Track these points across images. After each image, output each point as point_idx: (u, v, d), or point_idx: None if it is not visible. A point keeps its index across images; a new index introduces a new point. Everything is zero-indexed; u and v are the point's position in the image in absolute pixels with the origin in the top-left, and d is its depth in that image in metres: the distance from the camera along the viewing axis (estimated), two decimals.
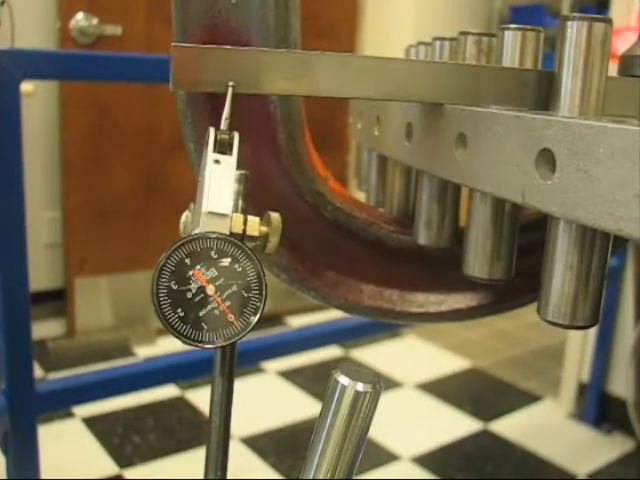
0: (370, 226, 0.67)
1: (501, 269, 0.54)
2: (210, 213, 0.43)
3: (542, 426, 2.04)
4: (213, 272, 0.42)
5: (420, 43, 0.72)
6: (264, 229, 0.46)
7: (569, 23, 0.45)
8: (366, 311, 0.70)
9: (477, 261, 0.54)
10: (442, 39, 0.65)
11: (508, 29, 0.51)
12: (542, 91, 0.50)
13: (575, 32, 0.44)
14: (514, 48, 0.51)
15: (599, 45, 0.45)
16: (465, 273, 0.55)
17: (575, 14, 0.45)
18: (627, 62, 0.60)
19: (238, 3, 0.55)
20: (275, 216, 0.46)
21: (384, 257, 0.69)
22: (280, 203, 0.63)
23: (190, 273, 0.42)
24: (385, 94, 0.50)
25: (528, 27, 0.51)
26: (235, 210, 0.46)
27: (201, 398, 2.08)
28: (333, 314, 1.08)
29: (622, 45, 0.66)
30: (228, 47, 0.48)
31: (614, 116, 0.49)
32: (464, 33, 0.57)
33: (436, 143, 0.54)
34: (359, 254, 0.68)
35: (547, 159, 0.42)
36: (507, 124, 0.45)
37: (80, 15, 2.26)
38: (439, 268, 0.66)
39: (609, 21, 0.45)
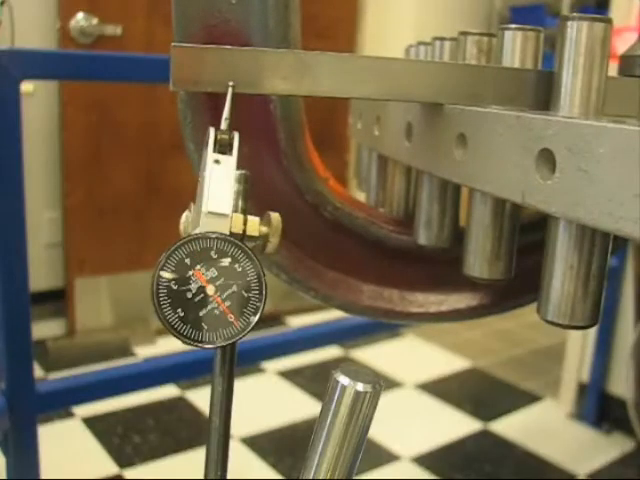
0: (370, 226, 0.66)
1: (501, 269, 0.53)
2: (210, 213, 0.43)
3: (542, 426, 2.04)
4: (213, 272, 0.42)
5: (420, 43, 0.72)
6: (264, 229, 0.46)
7: (569, 23, 0.45)
8: (366, 311, 0.70)
9: (477, 261, 0.53)
10: (442, 39, 0.65)
11: (508, 29, 0.51)
12: (542, 91, 0.50)
13: (575, 32, 0.45)
14: (514, 48, 0.51)
15: (599, 45, 0.45)
16: (465, 273, 0.55)
17: (575, 14, 0.45)
18: (627, 62, 0.60)
19: (238, 3, 0.54)
20: (275, 216, 0.46)
21: (384, 257, 0.68)
22: (280, 203, 0.63)
23: (190, 273, 0.42)
24: (385, 94, 0.50)
25: (528, 27, 0.51)
26: (235, 210, 0.46)
27: (201, 398, 2.08)
28: (333, 314, 1.08)
29: (622, 45, 0.66)
30: (228, 47, 0.48)
31: (614, 116, 0.49)
32: (464, 33, 0.57)
33: (436, 143, 0.54)
34: (359, 254, 0.68)
35: (547, 159, 0.42)
36: (507, 124, 0.45)
37: (80, 15, 2.26)
38: (439, 268, 0.66)
39: (609, 21, 0.45)
